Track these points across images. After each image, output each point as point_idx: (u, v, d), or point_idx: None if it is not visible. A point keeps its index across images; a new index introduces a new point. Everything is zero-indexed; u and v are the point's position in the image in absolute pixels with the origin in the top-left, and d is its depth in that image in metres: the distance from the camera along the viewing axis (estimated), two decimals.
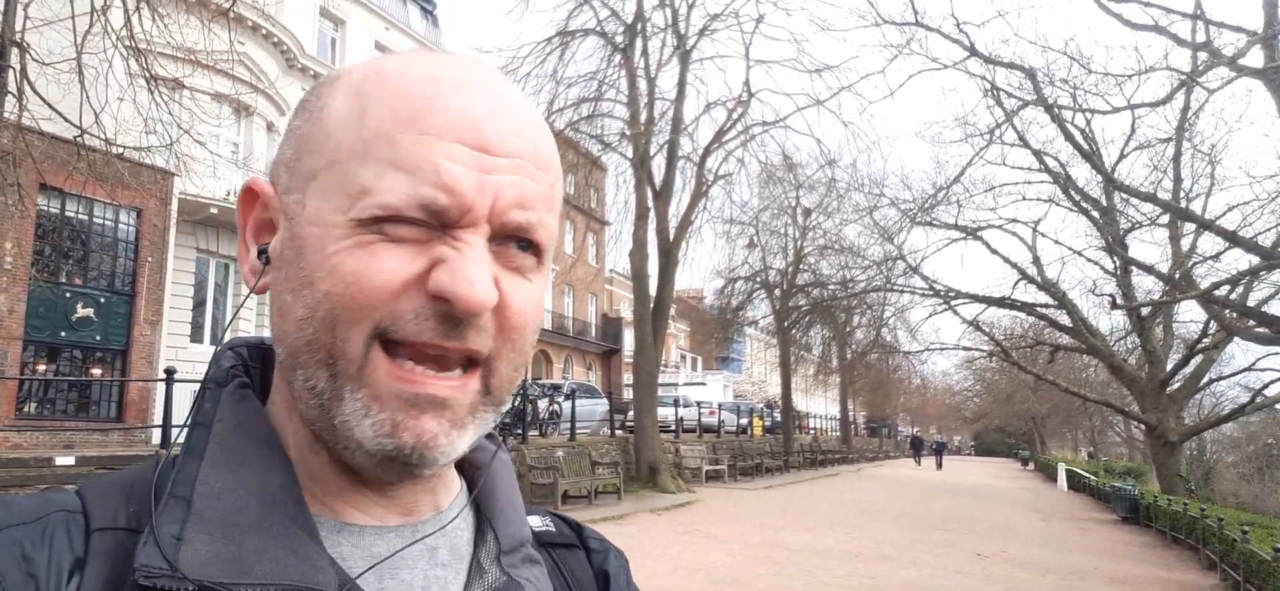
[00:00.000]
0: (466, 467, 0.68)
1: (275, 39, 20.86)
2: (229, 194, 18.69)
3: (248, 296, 0.64)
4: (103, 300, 15.33)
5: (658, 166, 22.38)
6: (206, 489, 0.54)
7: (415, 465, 0.55)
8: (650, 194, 21.99)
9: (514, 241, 0.56)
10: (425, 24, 29.70)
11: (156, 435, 13.93)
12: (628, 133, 22.02)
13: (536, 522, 0.72)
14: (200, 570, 0.51)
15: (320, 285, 0.53)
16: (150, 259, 16.00)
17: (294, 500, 0.56)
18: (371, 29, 25.96)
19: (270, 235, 0.60)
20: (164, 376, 10.40)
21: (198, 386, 0.63)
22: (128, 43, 7.19)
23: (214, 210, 18.15)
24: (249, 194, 0.61)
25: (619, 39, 21.93)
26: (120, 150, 8.02)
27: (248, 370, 0.63)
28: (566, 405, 18.29)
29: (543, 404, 18.76)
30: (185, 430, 0.60)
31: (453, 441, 0.55)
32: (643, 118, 21.74)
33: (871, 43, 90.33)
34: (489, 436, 0.68)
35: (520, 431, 16.46)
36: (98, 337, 15.26)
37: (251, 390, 0.61)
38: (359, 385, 0.53)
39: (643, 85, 21.99)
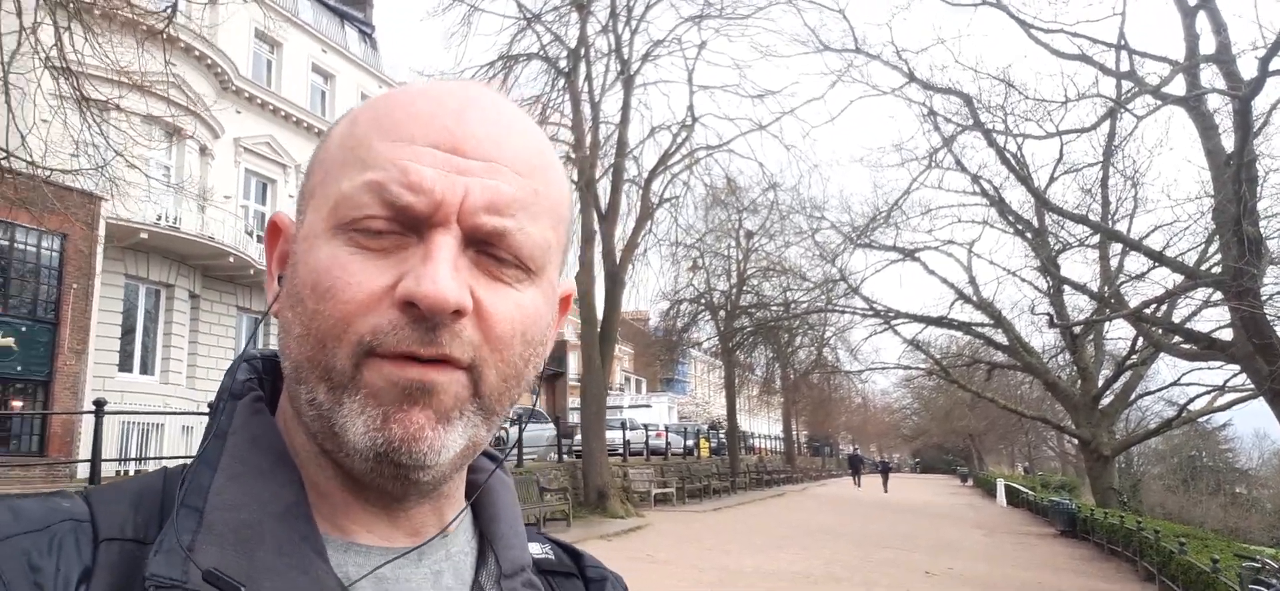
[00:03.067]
0: (473, 491, 0.68)
1: (209, 61, 20.29)
2: (160, 219, 18.06)
3: (262, 321, 0.65)
4: (24, 328, 14.63)
5: (603, 190, 22.36)
6: (220, 501, 0.54)
7: (405, 464, 0.54)
8: (596, 217, 21.93)
9: (491, 251, 0.56)
10: (363, 47, 29.26)
11: (82, 469, 13.30)
12: (572, 156, 21.95)
13: (536, 550, 0.71)
14: (210, 582, 0.51)
15: (308, 303, 0.55)
16: (76, 285, 15.33)
17: (304, 517, 0.56)
18: (308, 51, 25.47)
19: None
20: (92, 408, 9.90)
21: (211, 400, 0.63)
22: (57, 62, 6.85)
23: (144, 235, 17.51)
24: (273, 228, 0.64)
25: (562, 64, 21.91)
26: (48, 173, 7.64)
27: (262, 383, 0.64)
28: (513, 431, 18.01)
29: None
30: (201, 441, 0.60)
31: (440, 437, 0.55)
32: (588, 142, 21.72)
33: (813, 69, 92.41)
34: (490, 457, 0.69)
35: None
36: (18, 368, 14.54)
37: (265, 403, 0.62)
38: (355, 390, 0.54)
39: (587, 109, 21.99)
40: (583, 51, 21.88)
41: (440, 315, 0.53)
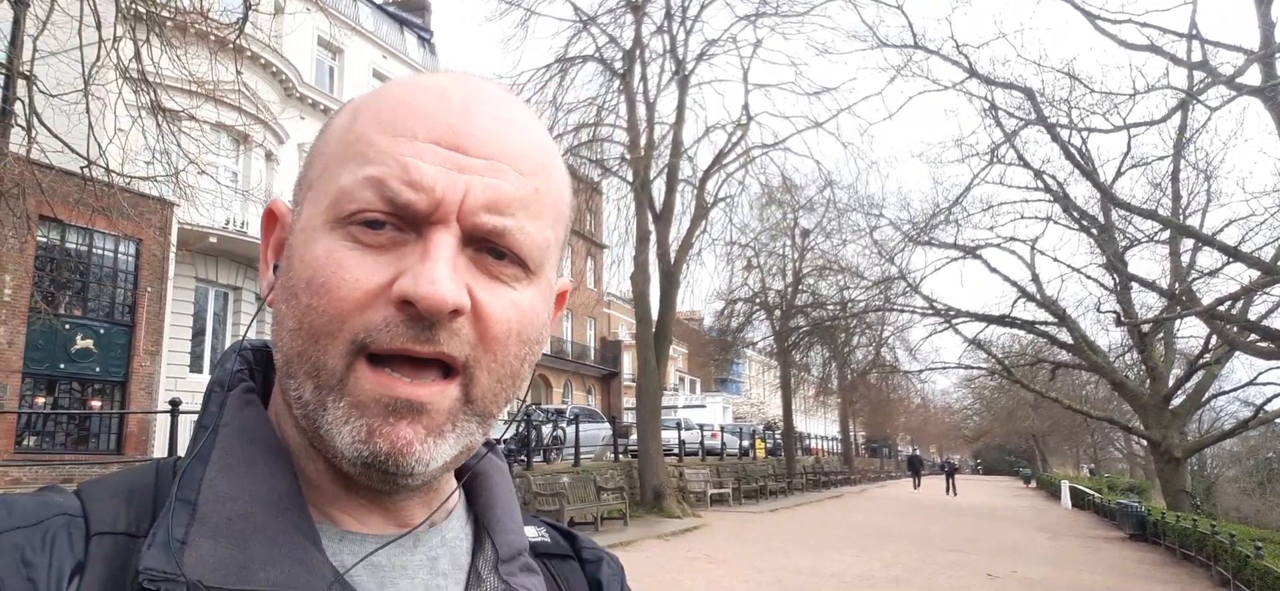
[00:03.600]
0: (465, 476, 0.68)
1: (274, 68, 20.89)
2: (228, 223, 18.63)
3: (258, 313, 0.65)
4: (102, 331, 15.22)
5: (658, 190, 22.38)
6: (212, 493, 0.54)
7: (392, 472, 0.54)
8: (651, 217, 21.97)
9: (491, 249, 0.55)
10: (423, 51, 29.79)
11: None
12: (628, 157, 22.03)
13: (532, 533, 0.71)
14: (205, 574, 0.51)
15: (302, 297, 0.55)
16: (150, 289, 15.90)
17: (298, 507, 0.56)
18: (369, 57, 26.02)
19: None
20: (168, 408, 10.27)
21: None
22: (136, 73, 7.13)
23: (213, 239, 18.08)
24: (269, 216, 0.64)
25: (618, 65, 21.99)
26: (126, 181, 7.95)
27: (253, 374, 0.64)
28: (570, 430, 18.14)
29: (546, 429, 18.63)
30: (193, 433, 0.60)
31: (429, 449, 0.54)
32: (643, 142, 21.76)
33: (870, 65, 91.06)
34: (487, 444, 0.68)
35: (525, 457, 16.33)
36: (97, 369, 15.13)
37: (257, 394, 0.62)
38: (340, 395, 0.54)
39: (642, 110, 22.04)
40: (638, 52, 21.94)
41: (438, 315, 0.52)
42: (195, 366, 18.78)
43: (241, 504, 0.54)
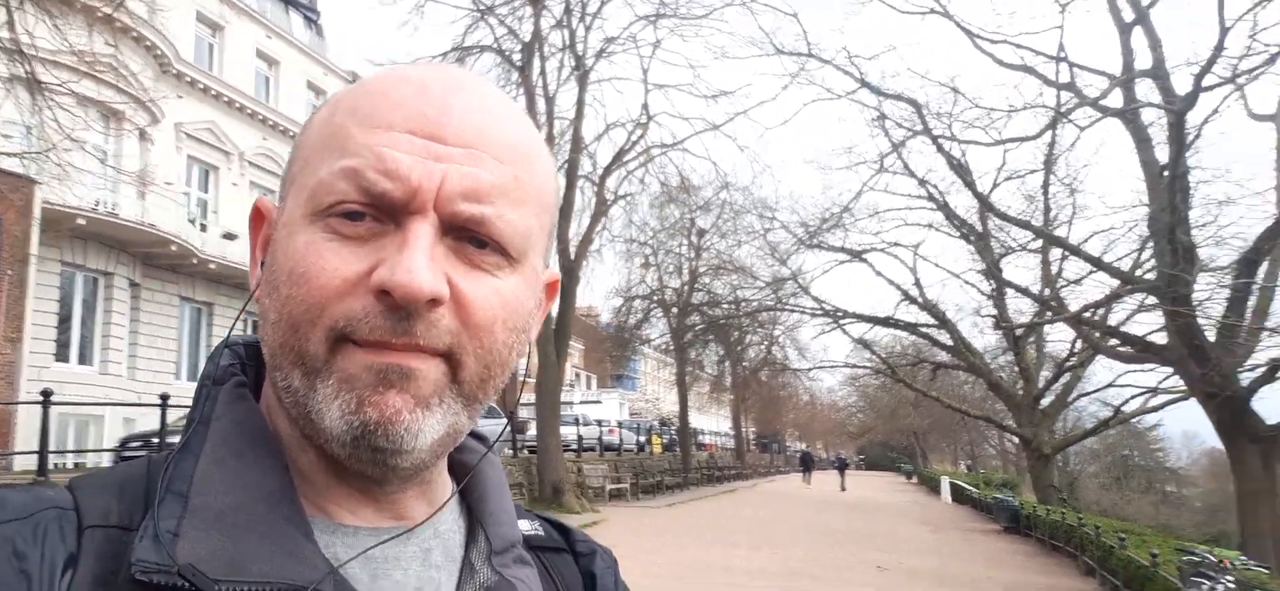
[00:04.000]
0: (458, 472, 0.67)
1: (148, 43, 19.61)
2: (98, 205, 17.45)
3: (243, 308, 0.65)
4: None
5: (557, 186, 22.26)
6: (204, 485, 0.54)
7: (383, 447, 0.54)
8: None
9: (471, 237, 0.55)
10: (309, 33, 28.64)
11: (21, 461, 12.80)
12: None
13: (526, 527, 0.71)
14: (197, 565, 0.51)
15: (283, 289, 0.55)
16: (10, 272, 14.73)
17: (290, 500, 0.56)
18: (253, 36, 24.83)
19: None
20: (40, 398, 9.55)
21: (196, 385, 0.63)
22: (8, 43, 6.54)
23: (81, 221, 16.90)
24: (257, 213, 0.64)
25: (516, 57, 21.77)
26: None
27: (244, 369, 0.63)
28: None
29: None
30: (184, 428, 0.60)
31: (418, 421, 0.54)
32: (542, 137, 21.61)
33: (767, 71, 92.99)
34: (478, 437, 0.68)
35: None
36: None
37: (248, 389, 0.61)
38: (329, 374, 0.54)
39: (541, 104, 21.89)
40: (537, 46, 21.77)
41: (414, 304, 0.52)
42: (61, 355, 17.53)
43: (233, 496, 0.54)
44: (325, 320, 0.53)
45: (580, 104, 22.35)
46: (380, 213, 0.54)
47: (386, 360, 0.53)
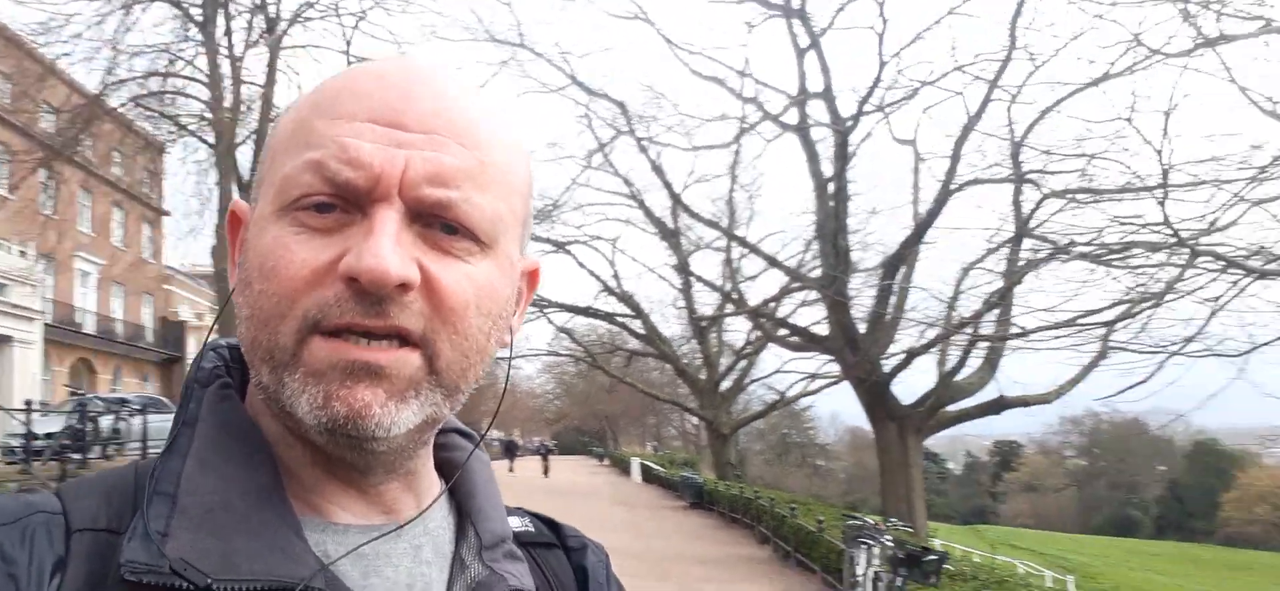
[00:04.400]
0: (447, 469, 0.68)
1: None
2: None
3: (221, 312, 0.66)
4: None
5: (245, 156, 20.35)
6: (191, 485, 0.54)
7: (354, 435, 0.54)
8: (237, 185, 19.84)
9: (439, 223, 0.55)
10: None
11: None
12: (209, 116, 19.72)
13: (516, 523, 0.72)
14: (187, 563, 0.51)
15: (254, 285, 0.55)
16: None
17: (279, 497, 0.56)
18: None
19: None
20: None
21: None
22: None
23: None
24: (233, 217, 0.64)
25: (196, 12, 19.56)
26: None
27: (230, 371, 0.63)
28: (136, 422, 15.68)
29: (106, 421, 15.89)
30: (170, 431, 0.59)
31: (391, 413, 0.54)
32: (227, 101, 19.62)
33: (482, 58, 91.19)
34: (466, 435, 0.70)
35: (80, 454, 13.81)
36: None
37: (233, 390, 0.61)
38: (295, 368, 0.54)
39: (227, 67, 19.87)
40: (221, 1, 19.70)
41: (382, 289, 0.52)
42: None
43: (221, 495, 0.54)
44: (296, 312, 0.53)
45: (272, 69, 20.57)
46: (347, 203, 0.53)
47: (352, 357, 0.52)
